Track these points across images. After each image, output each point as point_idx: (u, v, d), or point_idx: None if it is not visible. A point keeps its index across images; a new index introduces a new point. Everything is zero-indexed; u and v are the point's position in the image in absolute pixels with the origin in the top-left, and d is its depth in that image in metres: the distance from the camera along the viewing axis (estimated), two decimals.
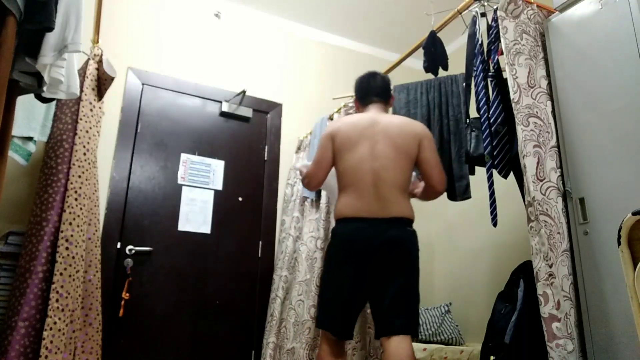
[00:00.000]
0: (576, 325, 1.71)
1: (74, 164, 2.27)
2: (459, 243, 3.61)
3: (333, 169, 2.16)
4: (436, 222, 3.88)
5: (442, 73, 2.61)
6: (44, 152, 2.39)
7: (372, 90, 2.23)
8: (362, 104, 2.25)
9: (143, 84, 3.17)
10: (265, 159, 3.43)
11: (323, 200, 2.99)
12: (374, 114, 2.16)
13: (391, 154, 2.01)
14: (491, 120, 2.01)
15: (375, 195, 1.96)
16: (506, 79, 2.00)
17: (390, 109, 2.66)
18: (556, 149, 1.92)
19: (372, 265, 1.91)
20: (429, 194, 2.17)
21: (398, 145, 2.03)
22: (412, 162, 2.06)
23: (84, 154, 2.33)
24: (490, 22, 2.14)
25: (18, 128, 2.25)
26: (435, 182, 2.08)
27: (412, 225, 2.01)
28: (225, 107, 3.35)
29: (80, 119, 2.35)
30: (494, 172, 2.01)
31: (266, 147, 3.46)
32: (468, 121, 2.28)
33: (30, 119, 2.31)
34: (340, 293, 1.94)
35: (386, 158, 2.00)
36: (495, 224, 2.06)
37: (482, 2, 2.19)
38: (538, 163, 1.86)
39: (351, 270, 1.93)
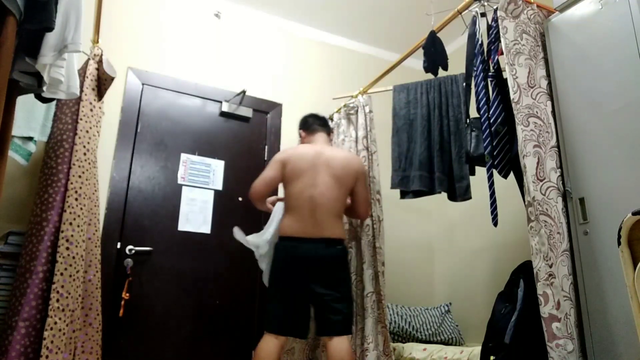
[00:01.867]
0: (576, 325, 1.71)
1: (74, 164, 2.27)
2: (459, 243, 3.61)
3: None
4: (436, 222, 3.88)
5: (442, 73, 2.61)
6: (44, 152, 2.39)
7: (316, 120, 2.68)
8: (309, 132, 2.66)
9: (143, 84, 3.17)
10: (265, 159, 3.43)
11: None
12: (319, 146, 2.53)
13: (329, 183, 2.37)
14: (491, 120, 2.01)
15: (312, 219, 2.32)
16: (506, 79, 2.00)
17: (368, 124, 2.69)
18: (556, 149, 1.92)
19: (310, 276, 2.26)
20: (351, 215, 2.63)
21: (338, 176, 2.40)
22: (347, 192, 2.46)
23: (84, 154, 2.33)
24: (490, 22, 2.14)
25: (18, 128, 2.25)
26: (362, 212, 2.56)
27: (342, 243, 2.37)
28: (225, 107, 3.35)
29: (80, 119, 2.35)
30: (494, 172, 2.01)
31: (266, 147, 3.46)
32: (468, 121, 2.28)
33: (30, 119, 2.31)
34: (288, 299, 2.25)
35: (325, 187, 2.36)
36: (495, 224, 2.06)
37: (482, 2, 2.19)
38: (538, 163, 1.86)
39: (293, 281, 2.27)
